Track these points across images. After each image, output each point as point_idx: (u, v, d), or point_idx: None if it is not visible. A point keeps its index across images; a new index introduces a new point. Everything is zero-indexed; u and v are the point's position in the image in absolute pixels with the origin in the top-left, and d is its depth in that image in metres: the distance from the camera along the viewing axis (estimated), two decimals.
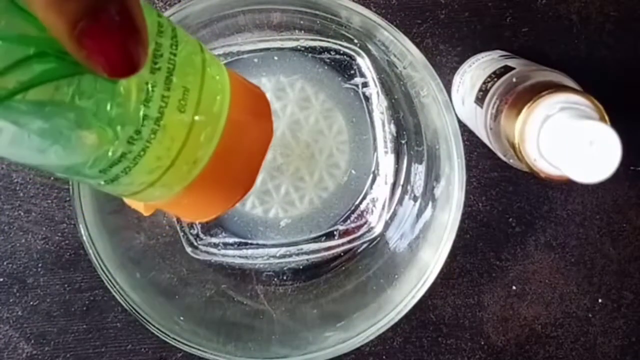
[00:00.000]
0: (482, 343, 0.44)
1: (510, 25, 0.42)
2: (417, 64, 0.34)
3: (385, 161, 0.41)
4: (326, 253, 0.41)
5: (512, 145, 0.31)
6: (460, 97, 0.40)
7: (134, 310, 0.34)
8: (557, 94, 0.29)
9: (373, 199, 0.41)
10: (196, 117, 0.19)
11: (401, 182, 0.41)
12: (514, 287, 0.44)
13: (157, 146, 0.19)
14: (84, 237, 0.34)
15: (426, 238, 0.37)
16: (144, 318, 0.34)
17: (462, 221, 0.35)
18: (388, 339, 0.43)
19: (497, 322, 0.44)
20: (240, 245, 0.41)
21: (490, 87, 0.35)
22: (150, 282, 0.37)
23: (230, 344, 0.35)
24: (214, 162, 0.20)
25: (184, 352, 0.36)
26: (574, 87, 0.31)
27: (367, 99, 0.41)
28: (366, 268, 0.40)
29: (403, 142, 0.41)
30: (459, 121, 0.38)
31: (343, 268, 0.41)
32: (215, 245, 0.41)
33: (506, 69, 0.35)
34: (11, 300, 0.43)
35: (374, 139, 0.41)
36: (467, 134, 0.42)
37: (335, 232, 0.42)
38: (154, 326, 0.34)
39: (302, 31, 0.40)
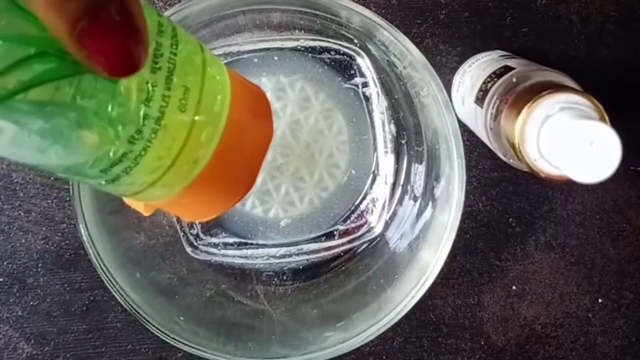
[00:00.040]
0: (482, 343, 0.44)
1: (510, 25, 0.42)
2: (417, 64, 0.34)
3: (385, 161, 0.41)
4: (326, 253, 0.41)
5: (512, 145, 0.31)
6: (460, 97, 0.40)
7: (134, 310, 0.34)
8: (557, 94, 0.29)
9: (373, 199, 0.41)
10: (197, 117, 0.19)
11: (401, 182, 0.41)
12: (514, 287, 0.44)
13: (158, 146, 0.19)
14: (84, 237, 0.34)
15: (426, 238, 0.37)
16: (144, 318, 0.34)
17: (462, 221, 0.35)
18: (388, 339, 0.43)
19: (497, 322, 0.44)
20: (240, 245, 0.41)
21: (490, 87, 0.35)
22: (150, 282, 0.37)
23: (230, 344, 0.35)
24: (215, 162, 0.20)
25: (184, 352, 0.36)
26: (574, 87, 0.31)
27: (367, 99, 0.41)
28: (366, 268, 0.40)
29: (403, 142, 0.41)
30: (459, 121, 0.38)
31: (343, 268, 0.41)
32: (215, 245, 0.41)
33: (506, 69, 0.35)
34: (11, 300, 0.43)
35: (374, 139, 0.41)
36: (467, 134, 0.42)
37: (335, 232, 0.42)
38: (154, 326, 0.34)
39: (302, 31, 0.40)
